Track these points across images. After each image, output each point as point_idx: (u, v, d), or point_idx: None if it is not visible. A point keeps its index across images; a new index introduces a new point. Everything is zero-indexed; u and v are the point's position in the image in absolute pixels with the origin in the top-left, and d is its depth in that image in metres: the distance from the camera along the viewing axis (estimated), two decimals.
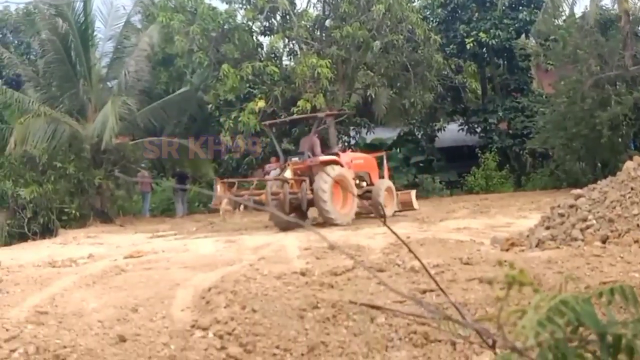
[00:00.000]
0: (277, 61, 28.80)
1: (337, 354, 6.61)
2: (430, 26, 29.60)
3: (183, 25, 26.82)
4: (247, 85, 27.27)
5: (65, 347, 6.10)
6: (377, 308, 6.89)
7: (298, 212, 18.62)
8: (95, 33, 28.60)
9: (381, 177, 20.84)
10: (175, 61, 29.69)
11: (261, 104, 26.18)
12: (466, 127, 33.94)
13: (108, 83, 29.13)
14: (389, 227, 3.59)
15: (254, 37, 28.77)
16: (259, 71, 26.71)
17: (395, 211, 20.46)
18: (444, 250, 11.28)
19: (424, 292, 7.96)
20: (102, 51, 29.52)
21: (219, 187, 18.50)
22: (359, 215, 19.72)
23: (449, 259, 9.90)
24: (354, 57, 27.70)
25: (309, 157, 18.88)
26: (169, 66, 30.93)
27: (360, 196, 19.77)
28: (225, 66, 26.12)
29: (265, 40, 29.50)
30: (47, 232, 24.13)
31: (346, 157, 20.17)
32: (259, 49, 29.20)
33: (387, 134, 34.61)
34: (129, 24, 29.13)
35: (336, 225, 17.63)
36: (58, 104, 26.69)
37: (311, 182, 18.15)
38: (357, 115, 31.36)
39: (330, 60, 25.94)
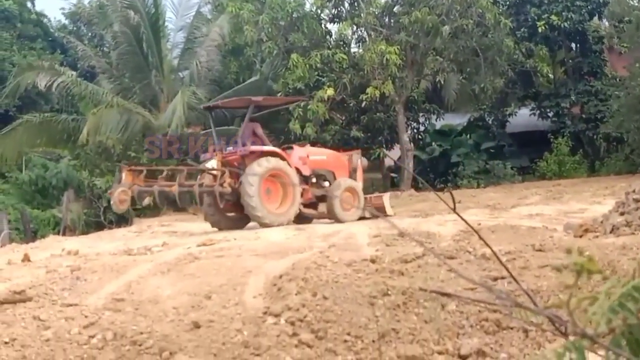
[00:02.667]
0: (346, 48, 28.77)
1: (408, 341, 6.62)
2: (500, 10, 29.09)
3: (252, 14, 27.01)
4: (316, 73, 27.32)
5: (141, 333, 6.26)
6: (448, 295, 6.87)
7: (238, 209, 16.75)
8: (166, 24, 29.11)
9: (353, 177, 18.41)
10: (245, 51, 29.89)
11: (330, 91, 26.21)
12: (538, 111, 33.33)
13: (179, 73, 29.60)
14: (459, 215, 3.60)
15: (323, 25, 28.79)
16: (328, 59, 26.74)
17: (363, 217, 17.53)
18: (516, 237, 11.15)
19: (495, 279, 7.91)
20: (173, 42, 30.07)
21: (123, 175, 16.13)
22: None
23: (521, 245, 9.79)
24: (422, 42, 27.49)
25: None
26: (238, 56, 31.19)
27: (320, 198, 17.81)
28: (294, 55, 26.25)
29: (333, 28, 29.52)
30: (122, 221, 24.68)
31: (300, 151, 17.95)
32: (328, 37, 29.22)
33: (456, 120, 34.30)
34: (199, 15, 29.54)
35: (266, 225, 15.79)
36: (131, 94, 27.25)
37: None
38: (426, 101, 31.16)
39: (398, 47, 25.80)
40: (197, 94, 26.02)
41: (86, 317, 6.85)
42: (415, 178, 28.05)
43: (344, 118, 31.06)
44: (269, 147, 17.10)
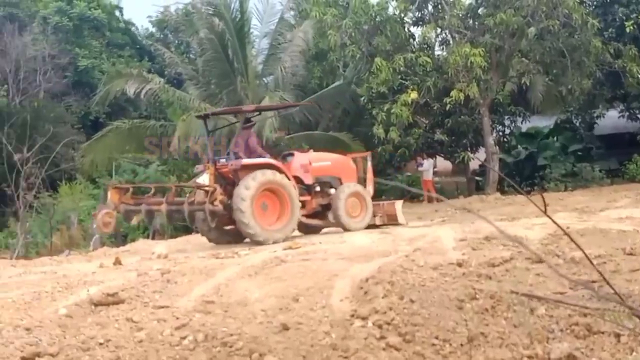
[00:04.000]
0: (429, 51, 28.57)
1: (497, 345, 6.55)
2: (587, 10, 28.42)
3: (336, 19, 27.11)
4: (400, 77, 27.19)
5: (231, 334, 6.36)
6: (539, 298, 6.77)
7: (233, 223, 15.40)
8: (251, 30, 29.46)
9: (360, 182, 17.37)
10: (329, 55, 30.01)
11: (414, 95, 26.06)
12: (627, 113, 32.49)
13: (264, 79, 29.91)
14: (549, 217, 3.56)
15: (406, 28, 28.66)
16: (411, 62, 26.62)
17: (375, 225, 16.99)
18: (606, 241, 10.88)
19: (586, 283, 7.75)
20: (257, 48, 30.40)
21: (109, 194, 15.17)
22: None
23: (611, 249, 9.58)
24: (507, 44, 27.10)
25: (235, 158, 15.65)
26: (322, 61, 31.33)
27: (326, 206, 16.64)
28: (377, 59, 26.21)
29: (417, 31, 29.38)
30: None
31: (301, 158, 16.83)
32: (411, 40, 29.08)
33: (543, 123, 33.70)
34: (283, 21, 29.79)
35: (260, 243, 14.55)
36: (217, 100, 27.66)
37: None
38: (511, 103, 30.68)
39: (483, 49, 25.50)
40: (286, 99, 26.21)
41: (177, 318, 6.99)
42: (501, 182, 27.65)
43: (427, 121, 30.85)
44: (264, 159, 15.77)
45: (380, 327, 6.72)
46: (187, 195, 15.53)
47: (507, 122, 33.11)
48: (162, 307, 7.76)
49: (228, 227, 15.67)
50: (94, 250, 18.58)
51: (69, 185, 31.50)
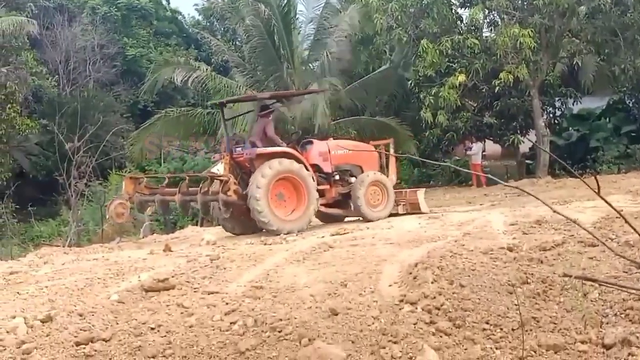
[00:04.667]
0: (477, 33, 28.13)
1: (549, 330, 6.46)
2: None
3: (382, 2, 26.87)
4: (447, 59, 26.88)
5: (280, 320, 6.37)
6: (593, 281, 6.65)
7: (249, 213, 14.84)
8: (296, 16, 29.40)
9: (382, 170, 16.87)
10: (375, 40, 29.80)
11: (461, 78, 25.76)
12: None
13: (310, 65, 29.83)
14: (603, 198, 3.47)
15: (453, 10, 28.26)
16: (459, 45, 26.27)
17: (397, 214, 16.55)
18: None
19: None
20: (303, 34, 30.31)
21: (123, 184, 15.26)
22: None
23: None
24: (557, 24, 26.61)
25: (252, 147, 15.17)
26: (368, 45, 31.13)
27: (347, 194, 16.19)
28: (424, 41, 25.93)
29: (464, 13, 28.93)
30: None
31: (320, 146, 16.37)
32: (458, 22, 28.69)
33: (595, 104, 33.03)
34: (328, 5, 29.65)
35: (274, 233, 14.12)
36: (263, 87, 27.67)
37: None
38: (562, 84, 30.15)
39: (532, 29, 25.05)
40: (336, 85, 26.12)
41: (227, 304, 7.03)
42: (552, 165, 27.25)
43: (476, 104, 30.48)
44: (280, 148, 15.34)
45: (429, 312, 6.67)
46: (201, 185, 15.07)
47: (557, 104, 32.54)
48: (212, 292, 7.82)
49: (245, 218, 15.09)
50: (144, 238, 18.80)
51: (119, 173, 31.91)
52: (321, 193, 15.71)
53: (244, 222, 15.36)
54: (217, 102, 17.52)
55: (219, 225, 16.27)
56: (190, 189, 15.12)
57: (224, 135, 16.91)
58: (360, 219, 16.00)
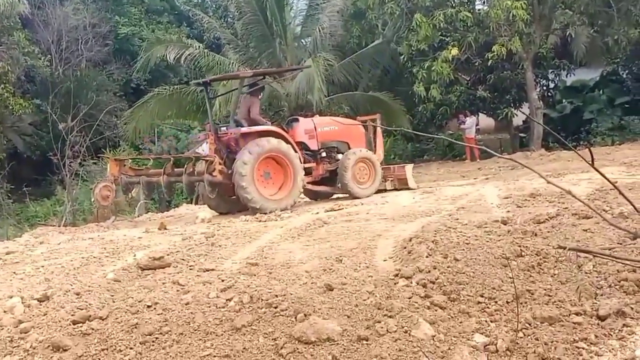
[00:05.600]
0: (470, 6, 28.01)
1: (544, 302, 6.50)
2: None
3: None
4: (440, 33, 26.77)
5: (276, 296, 6.40)
6: (589, 253, 6.68)
7: (234, 193, 14.98)
8: None
9: (369, 146, 16.89)
10: (367, 14, 29.63)
11: (454, 51, 25.68)
12: None
13: (302, 41, 29.73)
14: (597, 170, 3.48)
15: None
16: (452, 18, 26.14)
17: (386, 189, 16.82)
18: None
19: (635, 238, 7.63)
20: (296, 9, 30.18)
21: (108, 166, 15.23)
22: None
23: None
24: None
25: (237, 126, 15.37)
26: (360, 20, 30.97)
27: (333, 172, 16.24)
28: (417, 15, 25.79)
29: None
30: None
31: (306, 123, 16.42)
32: None
33: (588, 75, 32.97)
34: None
35: (258, 211, 14.07)
36: (256, 64, 27.59)
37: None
38: (555, 57, 30.10)
39: (525, 1, 24.95)
40: (330, 60, 26.02)
41: (222, 281, 7.06)
42: (546, 138, 27.25)
43: (469, 78, 30.44)
44: (265, 127, 15.37)
45: (424, 286, 6.71)
46: (186, 165, 15.14)
47: (551, 76, 32.47)
48: (208, 270, 7.85)
49: (233, 197, 15.17)
50: (139, 216, 18.83)
51: (113, 152, 31.84)
52: (308, 171, 15.79)
53: (229, 200, 15.42)
54: (200, 82, 17.37)
55: (205, 202, 16.34)
56: (175, 169, 15.14)
57: (207, 115, 16.83)
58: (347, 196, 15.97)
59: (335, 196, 16.54)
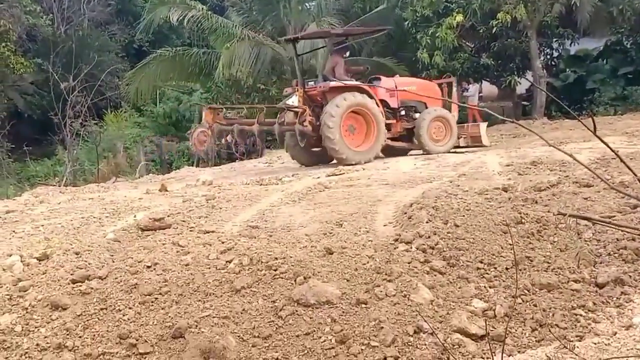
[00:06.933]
0: None
1: (543, 269, 6.51)
2: None
3: None
4: None
5: (276, 258, 6.40)
6: (588, 219, 6.67)
7: (320, 146, 16.28)
8: None
9: (445, 106, 17.80)
10: None
11: (459, 18, 25.52)
12: None
13: (306, 4, 29.50)
14: (599, 137, 3.45)
15: None
16: None
17: (460, 147, 17.83)
18: None
19: (635, 207, 7.63)
20: None
21: (204, 114, 16.07)
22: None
23: None
24: None
25: (324, 82, 16.45)
26: None
27: (411, 129, 17.28)
28: None
29: None
30: (253, 152, 25.20)
31: (388, 82, 17.39)
32: None
33: (592, 45, 32.75)
34: None
35: (349, 164, 15.17)
36: (259, 27, 27.45)
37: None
38: (560, 25, 29.88)
39: None
40: (335, 25, 25.82)
41: (223, 243, 7.06)
42: (549, 106, 27.16)
43: (473, 45, 30.22)
44: (351, 82, 16.45)
45: (424, 251, 6.71)
46: (278, 115, 16.36)
47: (555, 45, 32.20)
48: (208, 232, 7.85)
49: (315, 149, 16.61)
50: (140, 177, 18.84)
51: (115, 113, 31.78)
52: (388, 127, 16.81)
53: (313, 153, 16.83)
54: (291, 37, 18.59)
55: (290, 155, 17.62)
56: (266, 119, 16.12)
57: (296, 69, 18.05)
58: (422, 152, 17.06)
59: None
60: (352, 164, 15.08)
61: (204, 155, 19.93)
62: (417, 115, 17.26)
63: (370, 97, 16.30)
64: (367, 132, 16.15)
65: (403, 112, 17.30)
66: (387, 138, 16.70)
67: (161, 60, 28.14)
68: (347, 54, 17.93)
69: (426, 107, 17.41)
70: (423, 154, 16.88)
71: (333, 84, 16.10)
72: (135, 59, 33.46)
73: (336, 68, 16.63)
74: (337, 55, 16.99)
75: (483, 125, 18.41)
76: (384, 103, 16.80)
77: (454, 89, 18.55)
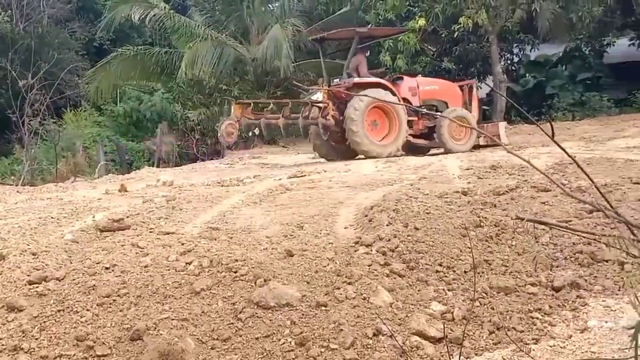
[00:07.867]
0: None
1: (501, 272, 6.57)
2: None
3: None
4: (407, 3, 26.77)
5: (236, 260, 6.38)
6: (545, 224, 6.76)
7: (345, 140, 16.95)
8: None
9: (465, 107, 18.48)
10: None
11: (421, 22, 25.69)
12: (638, 41, 31.96)
13: (270, 6, 29.49)
14: (556, 143, 3.50)
15: None
16: None
17: (479, 146, 18.20)
18: (612, 170, 10.88)
19: (591, 212, 7.74)
20: None
21: (233, 109, 16.89)
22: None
23: (618, 178, 9.57)
24: None
25: (349, 78, 17.33)
26: None
27: (432, 128, 17.93)
28: None
29: None
30: (214, 153, 25.11)
31: (410, 82, 18.14)
32: None
33: (552, 51, 33.23)
34: None
35: (366, 154, 16.44)
36: (222, 27, 27.35)
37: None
38: (520, 31, 30.22)
39: None
40: (298, 26, 25.84)
41: (182, 244, 7.02)
42: (508, 111, 27.45)
43: (435, 49, 30.47)
44: (374, 79, 17.22)
45: (384, 254, 6.73)
46: (302, 110, 17.11)
47: (515, 50, 32.63)
48: (168, 233, 7.79)
49: (338, 145, 17.29)
50: (100, 177, 18.68)
51: (74, 112, 31.43)
52: (409, 124, 17.46)
53: (336, 148, 17.50)
54: (317, 37, 19.23)
55: (313, 149, 18.34)
56: (292, 114, 16.97)
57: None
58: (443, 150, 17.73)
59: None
60: (373, 157, 16.05)
61: (232, 146, 20.64)
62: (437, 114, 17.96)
63: (393, 94, 17.02)
64: (389, 127, 16.96)
65: (425, 111, 17.91)
66: (409, 134, 17.43)
67: (122, 59, 27.93)
68: (368, 53, 19.00)
69: (447, 107, 18.03)
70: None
71: (356, 79, 16.99)
72: (95, 58, 33.12)
73: (360, 66, 17.44)
74: (360, 54, 17.82)
75: (502, 125, 19.19)
76: (406, 101, 17.37)
77: (474, 91, 19.19)
